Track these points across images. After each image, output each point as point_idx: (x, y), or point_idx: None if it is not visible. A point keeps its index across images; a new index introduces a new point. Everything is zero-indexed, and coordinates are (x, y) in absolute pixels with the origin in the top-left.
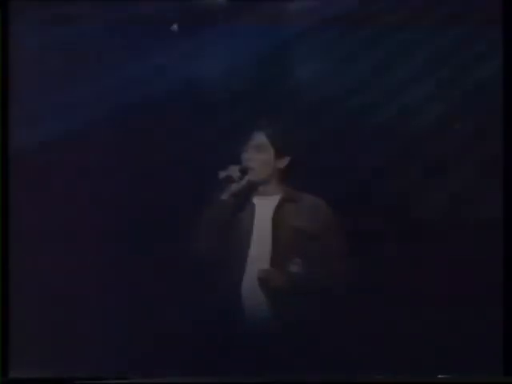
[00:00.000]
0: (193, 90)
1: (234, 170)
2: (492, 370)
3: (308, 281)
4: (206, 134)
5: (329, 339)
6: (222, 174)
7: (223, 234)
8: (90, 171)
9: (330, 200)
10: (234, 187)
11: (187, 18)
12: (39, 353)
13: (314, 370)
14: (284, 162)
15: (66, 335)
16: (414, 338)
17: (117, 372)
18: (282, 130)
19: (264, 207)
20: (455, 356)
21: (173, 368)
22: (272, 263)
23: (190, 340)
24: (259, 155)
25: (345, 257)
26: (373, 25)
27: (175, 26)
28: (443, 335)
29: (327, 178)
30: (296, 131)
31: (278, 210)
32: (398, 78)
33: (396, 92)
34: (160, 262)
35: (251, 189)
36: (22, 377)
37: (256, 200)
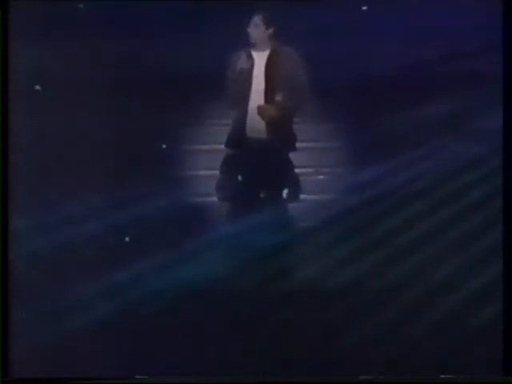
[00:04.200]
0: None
1: None
2: (492, 370)
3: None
4: None
5: None
6: None
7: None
8: None
9: None
10: None
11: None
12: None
13: None
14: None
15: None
16: (414, 339)
17: (117, 372)
18: None
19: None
20: (455, 356)
21: None
22: (266, 100)
23: None
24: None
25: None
26: None
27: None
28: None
29: None
30: None
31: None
32: None
33: None
34: None
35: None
36: (22, 377)
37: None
